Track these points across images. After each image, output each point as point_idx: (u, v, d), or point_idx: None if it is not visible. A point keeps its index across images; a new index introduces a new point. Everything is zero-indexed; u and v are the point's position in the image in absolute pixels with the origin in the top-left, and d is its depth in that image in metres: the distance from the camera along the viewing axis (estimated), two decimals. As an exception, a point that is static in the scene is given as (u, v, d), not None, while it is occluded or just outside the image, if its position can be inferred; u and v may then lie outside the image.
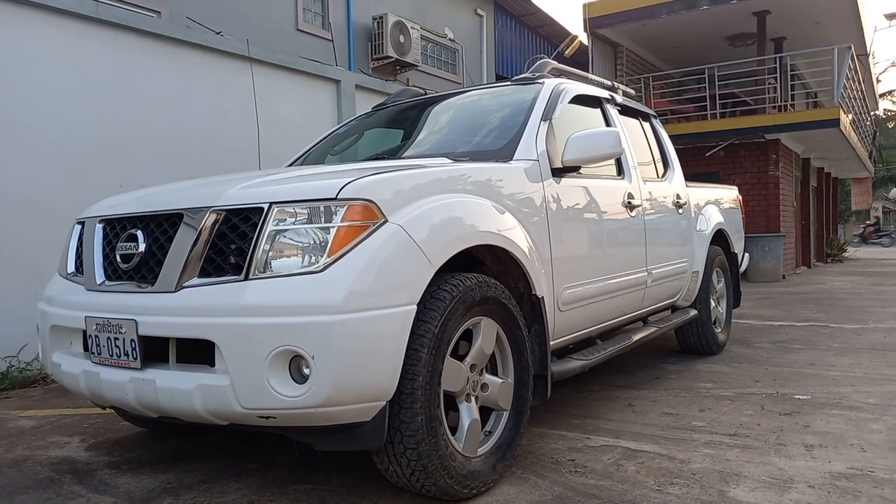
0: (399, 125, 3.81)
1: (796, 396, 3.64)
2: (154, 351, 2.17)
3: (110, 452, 2.93)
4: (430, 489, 2.18)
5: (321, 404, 1.92)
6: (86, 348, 2.41)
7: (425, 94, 4.24)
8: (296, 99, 6.42)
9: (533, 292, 2.67)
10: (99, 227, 2.46)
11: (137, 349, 2.14)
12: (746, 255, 5.75)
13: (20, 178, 4.56)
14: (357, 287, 1.95)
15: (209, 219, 2.12)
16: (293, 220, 2.06)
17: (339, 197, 2.04)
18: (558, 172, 3.01)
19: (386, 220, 2.09)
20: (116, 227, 2.40)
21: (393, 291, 2.02)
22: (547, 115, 3.11)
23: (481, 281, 2.35)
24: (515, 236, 2.56)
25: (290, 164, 3.83)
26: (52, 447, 3.03)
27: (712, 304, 4.81)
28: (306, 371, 1.92)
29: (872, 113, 20.86)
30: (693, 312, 4.46)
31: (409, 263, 2.08)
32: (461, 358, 2.32)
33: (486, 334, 2.40)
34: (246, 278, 2.03)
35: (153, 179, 5.23)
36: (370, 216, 2.07)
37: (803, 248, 15.15)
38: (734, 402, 3.56)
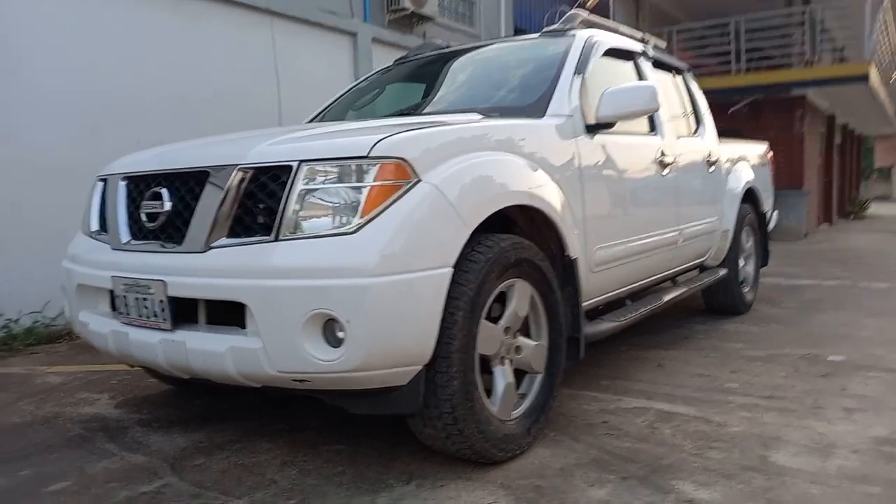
0: (423, 79, 3.68)
1: (830, 358, 3.56)
2: (184, 311, 2.12)
3: (139, 410, 2.93)
4: (465, 452, 2.15)
5: (356, 368, 1.87)
6: (113, 307, 2.38)
7: (448, 47, 4.09)
8: (312, 54, 6.26)
9: (566, 253, 2.59)
10: (122, 184, 2.39)
11: (167, 310, 2.10)
12: (775, 213, 5.61)
13: (36, 137, 4.51)
14: (391, 249, 1.88)
15: (236, 177, 2.04)
16: (323, 178, 1.98)
17: (370, 155, 1.95)
18: (592, 129, 2.89)
19: (419, 180, 2.00)
20: (140, 185, 2.33)
21: (428, 254, 1.95)
22: (580, 69, 2.98)
23: (516, 242, 2.27)
24: (549, 196, 2.47)
25: (311, 120, 3.72)
26: (82, 404, 3.03)
27: (741, 263, 4.71)
28: (340, 334, 1.87)
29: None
30: (723, 272, 4.37)
31: (444, 225, 2.00)
32: (495, 321, 2.26)
33: (520, 297, 2.33)
34: (276, 239, 1.96)
35: (169, 138, 5.12)
36: (403, 175, 1.98)
37: (825, 205, 14.89)
38: (766, 363, 3.49)
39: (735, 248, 4.55)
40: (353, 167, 1.97)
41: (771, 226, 5.44)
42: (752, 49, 11.47)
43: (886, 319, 4.54)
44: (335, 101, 3.84)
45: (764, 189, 5.16)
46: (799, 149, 11.54)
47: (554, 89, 2.86)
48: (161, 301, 2.10)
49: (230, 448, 2.46)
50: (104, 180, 2.56)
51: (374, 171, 1.96)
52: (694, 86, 4.42)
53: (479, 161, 2.20)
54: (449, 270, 1.99)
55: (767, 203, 5.27)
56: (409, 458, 2.32)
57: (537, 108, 2.80)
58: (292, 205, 1.96)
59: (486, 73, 3.36)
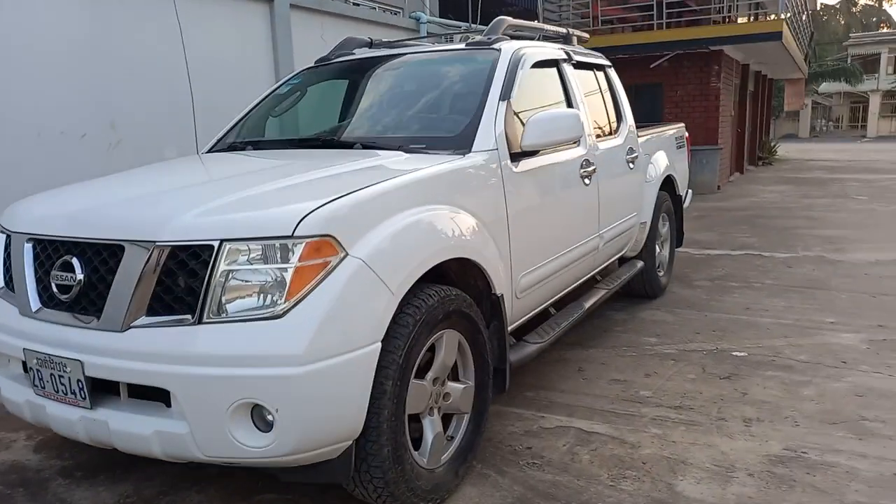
0: (344, 91, 3.56)
1: (734, 353, 3.83)
2: (104, 385, 2.07)
3: (60, 454, 2.85)
4: (396, 507, 2.23)
5: (287, 454, 1.89)
6: (25, 369, 2.28)
7: (370, 43, 3.97)
8: (224, 28, 5.89)
9: (493, 292, 2.65)
10: (28, 246, 2.25)
11: (85, 388, 2.04)
12: (690, 191, 5.84)
13: None
14: (320, 334, 1.88)
15: (154, 255, 1.96)
16: (246, 257, 1.93)
17: (295, 235, 1.92)
18: (517, 157, 2.91)
19: (346, 255, 1.98)
20: (48, 249, 2.20)
21: (357, 332, 1.96)
22: (505, 95, 2.96)
23: (443, 296, 2.30)
24: (476, 243, 2.50)
25: (230, 129, 3.56)
26: (-2, 448, 2.93)
27: (657, 250, 4.92)
28: (269, 418, 1.88)
29: (809, 10, 20.92)
30: (640, 264, 4.56)
31: (372, 300, 2.01)
32: (423, 372, 2.31)
33: (448, 346, 2.39)
34: (199, 321, 1.92)
35: (73, 126, 4.84)
36: (330, 252, 1.96)
37: (737, 155, 15.55)
38: (677, 362, 3.72)
39: (652, 237, 4.74)
40: (278, 246, 1.93)
41: (686, 203, 5.66)
42: (674, 3, 11.60)
43: (786, 299, 4.89)
44: (254, 107, 3.67)
45: (681, 174, 5.36)
46: (714, 104, 11.91)
47: (480, 119, 2.85)
48: (79, 380, 2.03)
49: (159, 502, 2.46)
50: (6, 235, 2.40)
51: (299, 250, 1.93)
52: (615, 80, 4.47)
53: (405, 224, 2.19)
54: (378, 345, 2.01)
55: (683, 185, 5.48)
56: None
57: (463, 139, 2.78)
58: (215, 286, 1.92)
59: (410, 91, 3.29)
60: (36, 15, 4.62)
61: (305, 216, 1.95)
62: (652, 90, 12.12)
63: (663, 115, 12.12)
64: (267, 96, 3.72)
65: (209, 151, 3.42)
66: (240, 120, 3.62)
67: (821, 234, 7.58)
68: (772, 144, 20.32)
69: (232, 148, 3.33)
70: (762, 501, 2.35)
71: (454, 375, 2.50)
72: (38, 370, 2.13)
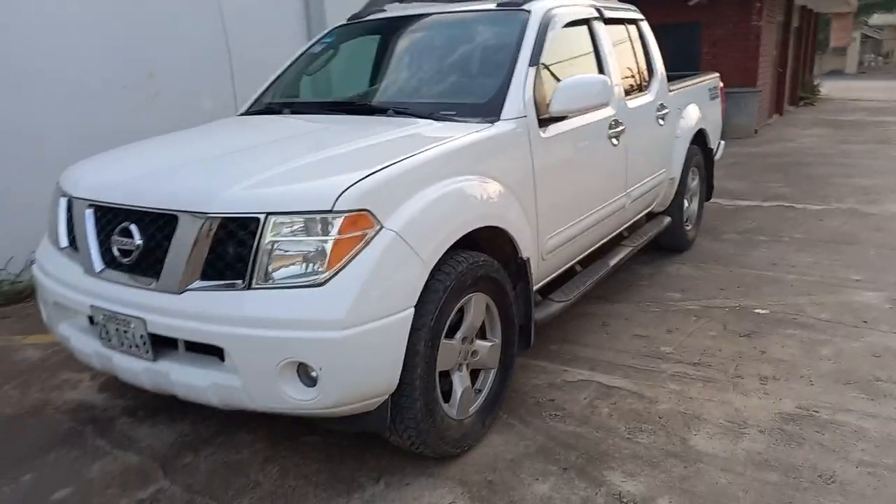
0: (375, 51, 3.62)
1: (756, 311, 3.93)
2: (164, 340, 2.28)
3: (123, 394, 3.13)
4: (428, 454, 2.45)
5: (330, 406, 2.09)
6: (91, 322, 2.51)
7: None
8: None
9: (519, 255, 2.78)
10: (89, 212, 2.44)
11: (147, 343, 2.25)
12: (721, 143, 5.81)
13: None
14: (358, 301, 2.04)
15: (205, 226, 2.13)
16: (290, 230, 2.09)
17: (334, 209, 2.06)
18: (545, 122, 2.98)
19: (381, 227, 2.13)
20: (108, 216, 2.39)
21: (392, 299, 2.12)
22: (535, 60, 3.01)
23: (472, 262, 2.44)
24: (505, 210, 2.62)
25: (266, 89, 3.67)
26: (66, 388, 3.22)
27: (685, 204, 4.96)
28: (313, 374, 2.07)
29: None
30: (667, 220, 4.63)
31: (406, 269, 2.16)
32: (452, 332, 2.47)
33: (477, 308, 2.54)
34: (248, 286, 2.10)
35: (112, 78, 4.98)
36: (366, 224, 2.10)
37: (777, 95, 15.09)
38: (699, 318, 3.84)
39: (680, 192, 4.78)
40: (319, 220, 2.08)
41: (718, 156, 5.64)
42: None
43: (813, 255, 4.93)
44: (289, 66, 3.76)
45: (713, 126, 5.32)
46: (754, 44, 11.53)
47: (509, 85, 2.91)
48: (142, 336, 2.24)
49: (214, 442, 2.71)
50: (68, 198, 2.58)
51: (338, 223, 2.07)
52: (647, 34, 4.43)
53: (436, 196, 2.32)
54: (412, 310, 2.17)
55: (715, 138, 5.45)
56: (378, 450, 2.61)
57: (492, 106, 2.85)
58: (262, 255, 2.08)
59: (439, 54, 3.33)
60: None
61: (343, 192, 2.09)
62: (689, 30, 11.75)
63: (701, 55, 11.80)
64: (301, 55, 3.80)
65: (247, 113, 3.54)
66: (275, 80, 3.72)
67: (856, 183, 7.47)
68: (814, 84, 19.61)
69: (269, 110, 3.45)
70: (770, 457, 2.51)
71: (482, 334, 2.66)
72: (104, 325, 2.35)
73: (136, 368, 2.31)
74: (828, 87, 22.43)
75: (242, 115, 3.53)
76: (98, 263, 2.40)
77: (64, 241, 2.62)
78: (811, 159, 9.26)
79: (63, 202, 2.64)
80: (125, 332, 2.29)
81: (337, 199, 2.07)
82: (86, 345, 2.50)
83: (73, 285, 2.47)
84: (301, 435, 2.74)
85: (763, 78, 12.27)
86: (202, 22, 5.44)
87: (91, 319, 2.46)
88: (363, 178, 2.15)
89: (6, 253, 4.53)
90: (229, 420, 2.85)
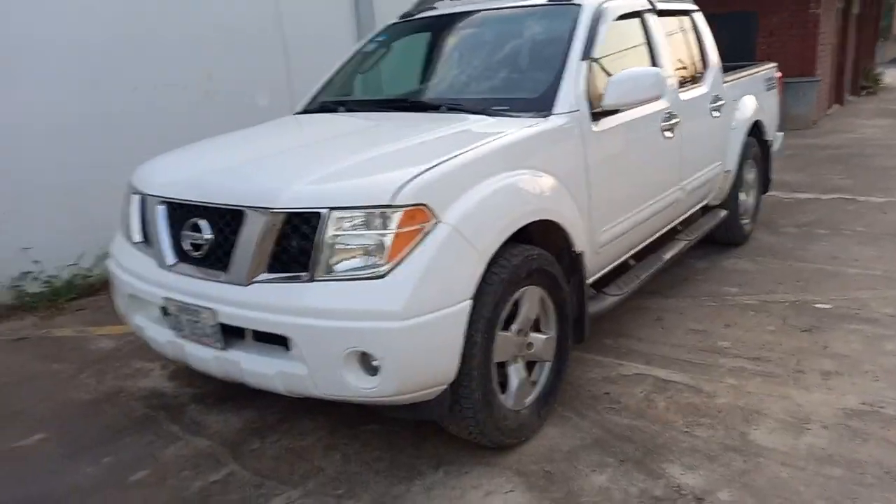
0: (426, 49, 3.68)
1: (817, 305, 3.84)
2: (233, 329, 2.38)
3: (191, 383, 3.27)
4: (486, 443, 2.49)
5: (391, 394, 2.16)
6: (164, 313, 2.65)
7: (451, -1, 4.05)
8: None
9: (573, 249, 2.79)
10: (161, 209, 2.56)
11: (218, 333, 2.36)
12: (780, 135, 5.67)
13: (36, 93, 4.54)
14: (418, 292, 2.10)
15: (271, 220, 2.22)
16: (351, 223, 2.16)
17: (393, 204, 2.12)
18: (597, 116, 2.98)
19: (439, 221, 2.18)
20: (179, 211, 2.51)
21: (450, 291, 2.17)
22: (587, 54, 3.01)
23: (527, 256, 2.47)
24: (558, 204, 2.65)
25: (321, 89, 3.76)
26: (139, 376, 3.38)
27: (741, 197, 4.87)
28: (375, 363, 2.14)
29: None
30: (723, 213, 4.55)
31: (463, 262, 2.21)
32: (507, 324, 2.51)
33: (531, 301, 2.58)
34: (312, 278, 2.18)
35: (171, 80, 5.17)
36: (424, 218, 2.16)
37: (837, 84, 14.57)
38: (758, 313, 3.78)
39: (736, 185, 4.69)
40: (378, 214, 2.15)
41: (776, 148, 5.51)
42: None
43: (877, 248, 4.78)
44: (343, 65, 3.85)
45: (770, 117, 5.21)
46: (813, 32, 11.17)
47: (561, 80, 2.92)
48: (213, 326, 2.35)
49: (279, 429, 2.82)
50: (140, 196, 2.72)
51: (398, 217, 2.14)
52: (702, 24, 4.37)
53: (491, 190, 2.36)
54: (469, 302, 2.22)
55: (772, 130, 5.33)
56: (436, 439, 2.67)
57: (544, 101, 2.88)
58: (325, 248, 2.16)
59: (491, 50, 3.36)
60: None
61: (402, 187, 2.15)
62: (744, 18, 11.45)
63: (757, 45, 11.49)
64: (355, 54, 3.89)
65: (303, 111, 3.65)
66: (330, 79, 3.82)
67: (923, 175, 7.18)
68: (877, 73, 18.83)
69: (324, 108, 3.55)
70: (834, 453, 2.47)
71: (537, 327, 2.69)
72: (177, 315, 2.47)
73: (207, 357, 2.43)
74: (891, 76, 21.50)
75: (298, 113, 3.63)
76: (170, 257, 2.52)
77: (137, 237, 2.76)
78: (873, 150, 8.92)
79: (136, 199, 2.78)
80: (196, 322, 2.40)
81: (396, 193, 2.13)
82: (160, 334, 2.63)
83: (147, 278, 2.61)
84: (361, 423, 2.82)
85: (822, 67, 11.87)
86: (254, 22, 5.61)
87: (164, 310, 2.59)
88: (420, 174, 2.21)
89: (78, 248, 4.76)
90: (292, 408, 2.95)
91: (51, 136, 4.58)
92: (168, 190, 2.58)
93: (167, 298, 2.48)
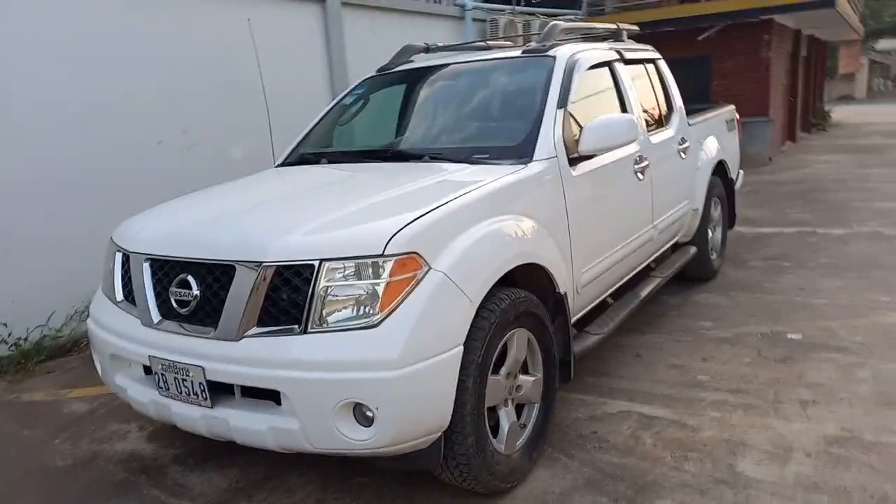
0: (405, 100, 3.78)
1: (789, 336, 3.95)
2: (220, 386, 2.36)
3: (171, 443, 3.19)
4: (479, 489, 2.49)
5: (386, 445, 2.15)
6: (147, 372, 2.61)
7: (427, 48, 4.17)
8: (280, 29, 6.16)
9: (557, 290, 2.85)
10: (146, 265, 2.55)
11: (206, 391, 2.33)
12: (741, 172, 5.88)
13: (23, 141, 4.50)
14: (413, 340, 2.11)
15: (261, 274, 2.23)
16: (343, 274, 2.18)
17: (385, 253, 2.16)
18: (574, 161, 3.08)
19: (430, 268, 2.22)
20: (165, 268, 2.50)
21: (443, 337, 2.19)
22: (562, 102, 3.13)
23: (514, 299, 2.51)
24: (543, 248, 2.71)
25: (301, 141, 3.82)
26: (116, 439, 3.29)
27: (709, 234, 5.02)
28: (370, 414, 2.14)
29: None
30: (693, 250, 4.68)
31: (455, 308, 2.24)
32: (496, 368, 2.53)
33: (519, 343, 2.61)
34: (304, 331, 2.18)
35: (158, 130, 5.18)
36: (415, 266, 2.19)
37: (789, 123, 15.20)
38: (733, 346, 3.87)
39: (704, 222, 4.85)
40: (370, 264, 2.17)
41: (738, 185, 5.72)
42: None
43: (841, 279, 4.95)
44: (322, 118, 3.92)
45: (732, 156, 5.42)
46: (765, 75, 11.70)
47: (539, 128, 3.03)
48: (200, 383, 2.33)
49: (266, 487, 2.77)
50: (124, 254, 2.70)
51: (389, 266, 2.17)
52: (665, 72, 4.57)
53: (479, 236, 2.42)
54: (461, 348, 2.24)
55: (735, 168, 5.53)
56: (427, 489, 2.65)
57: (524, 149, 2.97)
58: (317, 300, 2.17)
59: (469, 101, 3.48)
60: (97, 29, 4.94)
61: (393, 236, 2.18)
62: (699, 63, 11.95)
63: (712, 87, 11.97)
64: (334, 106, 3.96)
65: (284, 164, 3.69)
66: (309, 131, 3.87)
67: (877, 206, 7.49)
68: (826, 110, 19.72)
69: (305, 160, 3.59)
70: (819, 480, 2.52)
71: (524, 369, 2.72)
72: (162, 374, 2.43)
73: (194, 415, 2.39)
74: (839, 113, 22.54)
75: (280, 166, 3.67)
76: (156, 315, 2.50)
77: (120, 295, 2.73)
78: (829, 185, 9.29)
79: (119, 257, 2.76)
80: (184, 380, 2.37)
81: (387, 243, 2.17)
82: (142, 394, 2.58)
83: (131, 337, 2.57)
84: (350, 477, 2.78)
85: (775, 107, 12.40)
86: (230, 74, 5.67)
87: (148, 369, 2.55)
88: (410, 223, 2.25)
89: (48, 307, 4.65)
90: (278, 464, 2.90)
91: (15, 194, 4.51)
92: (153, 247, 2.57)
93: (153, 357, 2.45)
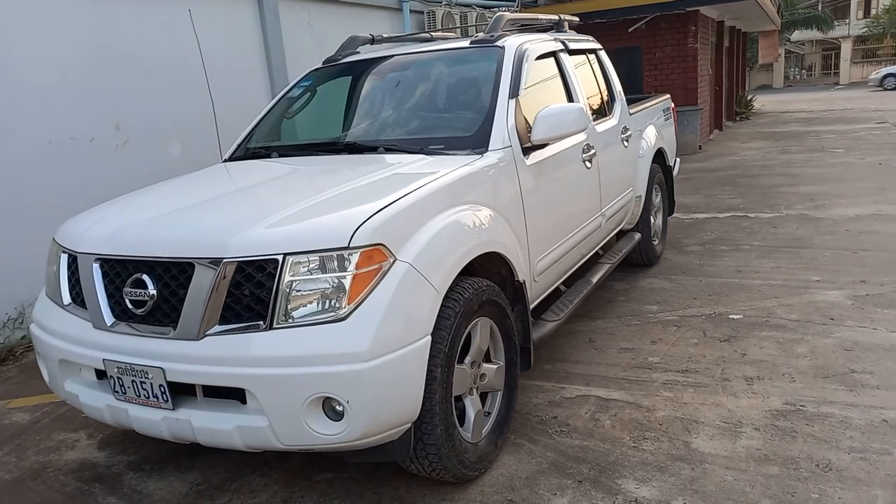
0: (353, 91, 3.74)
1: (731, 316, 4.13)
2: (181, 388, 2.29)
3: (124, 450, 3.08)
4: (448, 479, 2.51)
5: (357, 438, 2.14)
6: (99, 377, 2.51)
7: (372, 39, 4.13)
8: (217, 24, 5.98)
9: (516, 279, 2.89)
10: (96, 265, 2.44)
11: (167, 392, 2.26)
12: (678, 160, 6.10)
13: None
14: (381, 332, 2.11)
15: (222, 270, 2.17)
16: (307, 268, 2.15)
17: (350, 245, 2.14)
18: (527, 150, 3.13)
19: (395, 259, 2.21)
20: (117, 268, 2.40)
21: (411, 328, 2.20)
22: (514, 92, 3.17)
23: (477, 288, 2.54)
24: (502, 236, 2.74)
25: (248, 135, 3.73)
26: (64, 448, 3.15)
27: (652, 220, 5.18)
28: (339, 408, 2.12)
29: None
30: (637, 236, 4.83)
31: (421, 298, 2.24)
32: (462, 357, 2.55)
33: (483, 332, 2.63)
34: (270, 326, 2.14)
35: (81, 131, 4.95)
36: (381, 258, 2.19)
37: (716, 111, 15.81)
38: (679, 328, 4.02)
39: (647, 209, 5.00)
40: (336, 257, 2.15)
41: (675, 172, 5.92)
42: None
43: (772, 260, 5.20)
44: (268, 111, 3.83)
45: (669, 145, 5.60)
46: (693, 65, 12.12)
47: (493, 118, 3.05)
48: (161, 385, 2.25)
49: (228, 488, 2.71)
50: (70, 255, 2.58)
51: (355, 258, 2.15)
52: (606, 62, 4.68)
53: (441, 226, 2.42)
54: (429, 338, 2.25)
55: (672, 155, 5.72)
56: (395, 480, 2.65)
57: (479, 139, 2.99)
58: (282, 295, 2.14)
59: (420, 92, 3.48)
60: (39, 21, 4.69)
61: (358, 228, 2.17)
62: (631, 53, 12.28)
63: (643, 77, 12.32)
64: (280, 99, 3.88)
65: (231, 159, 3.59)
66: (256, 124, 3.78)
67: (802, 191, 7.89)
68: (748, 99, 20.60)
69: (254, 155, 3.51)
70: (769, 452, 2.66)
71: (487, 357, 2.75)
72: (118, 378, 2.34)
73: (155, 418, 2.31)
74: (760, 101, 23.57)
75: (227, 161, 3.57)
76: (109, 317, 2.40)
77: (67, 298, 2.61)
78: (756, 170, 9.72)
79: (64, 258, 2.63)
80: (142, 383, 2.29)
81: (353, 235, 2.15)
82: (96, 400, 2.48)
83: (82, 341, 2.46)
84: (315, 473, 2.76)
85: (703, 96, 12.87)
86: (165, 69, 5.48)
87: (100, 374, 2.45)
88: (375, 214, 2.24)
89: (-21, 315, 4.41)
90: (238, 465, 2.85)
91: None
92: (102, 246, 2.46)
93: (107, 360, 2.35)
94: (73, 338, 2.50)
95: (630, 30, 12.08)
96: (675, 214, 6.65)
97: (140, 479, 2.83)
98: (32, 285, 3.56)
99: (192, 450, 3.01)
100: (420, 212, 2.39)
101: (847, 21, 41.43)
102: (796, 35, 40.60)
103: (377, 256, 2.18)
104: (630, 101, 5.05)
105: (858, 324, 3.85)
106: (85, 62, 4.97)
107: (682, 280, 4.92)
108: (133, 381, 2.31)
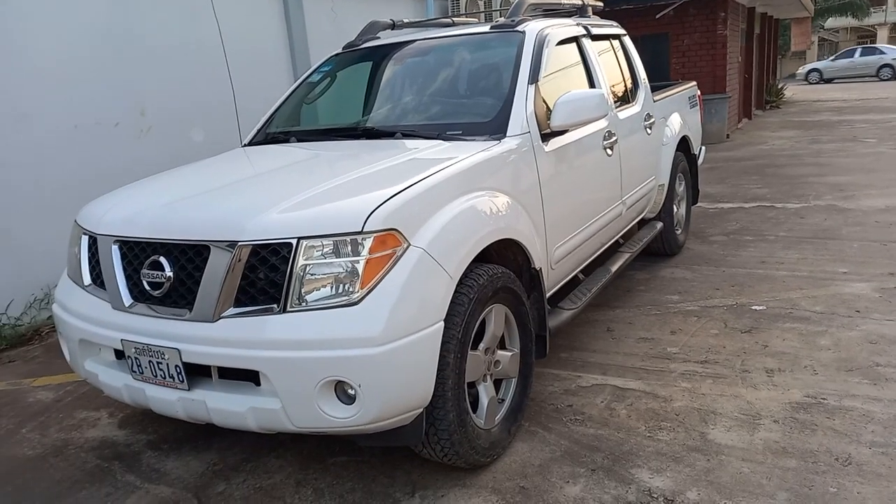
0: (373, 77, 3.73)
1: (753, 307, 4.07)
2: (197, 369, 2.32)
3: (144, 429, 3.14)
4: (460, 464, 2.51)
5: (369, 422, 2.15)
6: (118, 357, 2.55)
7: (393, 25, 4.12)
8: (240, 10, 6.00)
9: (532, 266, 2.87)
10: (115, 247, 2.48)
11: (182, 373, 2.29)
12: (703, 148, 5.99)
13: None
14: (394, 317, 2.11)
15: (238, 253, 2.19)
16: (321, 252, 2.15)
17: (364, 230, 2.14)
18: (546, 136, 3.09)
19: (409, 245, 2.21)
20: (136, 250, 2.43)
21: (424, 313, 2.19)
22: (534, 77, 3.13)
23: (492, 275, 2.52)
24: (518, 223, 2.72)
25: (267, 120, 3.74)
26: (85, 426, 3.22)
27: (674, 209, 5.11)
28: (352, 392, 2.13)
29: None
30: (659, 225, 4.76)
31: (435, 284, 2.24)
32: (475, 344, 2.54)
33: (497, 319, 2.62)
34: (284, 310, 2.16)
35: (106, 116, 5.02)
36: (395, 243, 2.18)
37: (745, 100, 15.51)
38: (700, 318, 3.96)
39: (670, 198, 4.93)
40: (349, 241, 2.15)
41: (700, 161, 5.82)
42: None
43: (798, 251, 5.10)
44: (288, 96, 3.84)
45: (694, 132, 5.51)
46: (721, 52, 11.89)
47: (512, 104, 3.02)
48: (177, 366, 2.28)
49: (244, 469, 2.74)
50: (90, 236, 2.62)
51: (368, 243, 2.15)
52: (630, 47, 4.60)
53: (456, 212, 2.41)
54: (441, 324, 2.24)
55: (697, 143, 5.63)
56: (408, 465, 2.66)
57: (498, 125, 2.97)
58: (296, 278, 2.15)
59: (439, 77, 3.46)
60: (62, 5, 4.75)
61: (372, 213, 2.16)
62: (658, 40, 12.08)
63: (670, 64, 12.12)
64: (300, 84, 3.89)
65: (251, 143, 3.61)
66: (276, 109, 3.80)
67: (831, 181, 7.72)
68: (779, 87, 20.17)
69: (274, 139, 3.52)
70: (787, 445, 2.61)
71: (502, 344, 2.74)
72: (136, 358, 2.38)
73: (171, 399, 2.35)
74: (791, 90, 23.06)
75: (247, 145, 3.59)
76: (127, 298, 2.43)
77: (87, 279, 2.65)
78: (784, 160, 9.53)
79: (85, 240, 2.67)
80: (159, 363, 2.32)
81: (366, 220, 2.15)
82: (115, 379, 2.52)
83: (101, 321, 2.50)
84: (329, 456, 2.78)
85: (731, 84, 12.63)
86: (189, 54, 5.52)
87: (119, 354, 2.49)
88: (388, 199, 2.23)
89: (6, 296, 4.51)
90: (255, 446, 2.88)
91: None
92: (122, 229, 2.50)
93: (125, 341, 2.39)
94: (92, 318, 2.54)
95: (658, 16, 11.86)
96: (699, 204, 6.57)
97: (158, 458, 2.88)
98: (57, 267, 3.63)
99: (209, 430, 3.05)
100: (435, 197, 2.38)
101: (884, 8, 40.30)
102: (830, 22, 39.63)
103: (391, 241, 2.18)
104: (655, 88, 4.97)
105: (885, 317, 3.76)
106: (108, 48, 5.03)
107: (704, 270, 4.85)
108: (150, 361, 2.34)
